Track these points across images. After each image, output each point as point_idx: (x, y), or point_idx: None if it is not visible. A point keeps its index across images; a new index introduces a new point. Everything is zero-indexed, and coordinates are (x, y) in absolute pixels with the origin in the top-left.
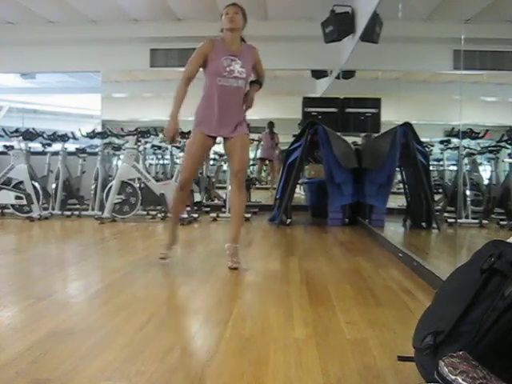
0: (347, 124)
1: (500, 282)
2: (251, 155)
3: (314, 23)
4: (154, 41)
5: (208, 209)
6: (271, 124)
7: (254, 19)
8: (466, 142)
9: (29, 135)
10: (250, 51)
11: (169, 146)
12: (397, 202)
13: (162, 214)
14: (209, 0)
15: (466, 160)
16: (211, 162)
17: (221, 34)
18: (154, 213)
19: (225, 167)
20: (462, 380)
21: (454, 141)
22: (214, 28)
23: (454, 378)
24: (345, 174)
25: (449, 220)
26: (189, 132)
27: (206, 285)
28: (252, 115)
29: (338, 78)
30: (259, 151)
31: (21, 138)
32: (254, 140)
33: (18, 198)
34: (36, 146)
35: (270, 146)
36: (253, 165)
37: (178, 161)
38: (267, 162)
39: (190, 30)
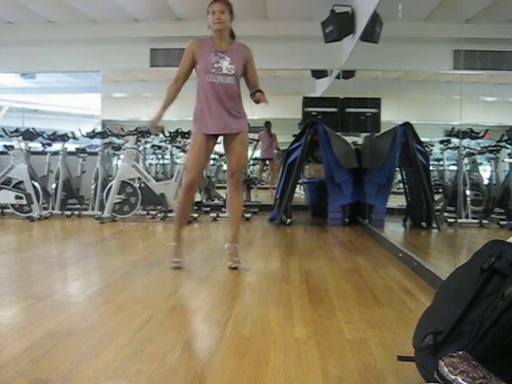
0: (347, 124)
1: (500, 281)
2: (251, 155)
3: (313, 23)
4: (154, 41)
5: (208, 209)
6: (269, 123)
7: (254, 19)
8: (466, 141)
9: (29, 135)
10: (240, 49)
11: (169, 146)
12: (397, 202)
13: (162, 214)
14: (209, 0)
15: (466, 160)
16: (211, 162)
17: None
18: (154, 213)
19: (225, 167)
20: (462, 380)
21: (454, 141)
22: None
23: (453, 377)
24: (345, 173)
25: (449, 220)
26: (188, 132)
27: (206, 285)
28: (252, 115)
29: (338, 77)
30: (259, 152)
31: (21, 137)
32: (253, 140)
33: (18, 197)
34: (36, 145)
35: (269, 146)
36: (253, 165)
37: (178, 161)
38: (267, 162)
39: (189, 29)
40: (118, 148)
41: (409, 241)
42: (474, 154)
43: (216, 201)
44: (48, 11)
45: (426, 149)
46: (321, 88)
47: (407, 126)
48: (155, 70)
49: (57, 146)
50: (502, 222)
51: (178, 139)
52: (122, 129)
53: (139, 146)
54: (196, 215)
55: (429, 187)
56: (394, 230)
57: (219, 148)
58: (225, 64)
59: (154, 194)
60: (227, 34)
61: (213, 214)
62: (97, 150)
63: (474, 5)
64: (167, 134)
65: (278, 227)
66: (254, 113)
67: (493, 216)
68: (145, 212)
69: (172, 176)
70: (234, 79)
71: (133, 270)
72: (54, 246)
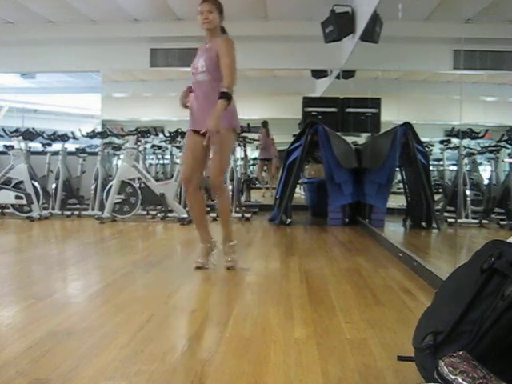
0: (347, 124)
1: (500, 281)
2: (252, 155)
3: (313, 23)
4: (154, 41)
5: (208, 209)
6: (266, 123)
7: (254, 19)
8: (466, 141)
9: (29, 135)
10: (216, 43)
11: (169, 146)
12: (397, 202)
13: (162, 214)
14: None
15: (466, 160)
16: (210, 162)
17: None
18: (154, 213)
19: None
20: (462, 380)
21: (454, 141)
22: None
23: (453, 377)
24: (345, 173)
25: (449, 220)
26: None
27: (205, 285)
28: (252, 115)
29: (338, 77)
30: (259, 152)
31: (21, 137)
32: (253, 140)
33: (18, 197)
34: (36, 145)
35: (269, 145)
36: (253, 165)
37: (178, 161)
38: (266, 162)
39: (190, 29)
40: (118, 148)
41: (409, 241)
42: (474, 153)
43: (216, 201)
44: (48, 11)
45: (426, 149)
46: (321, 88)
47: (407, 126)
48: (155, 70)
49: (57, 146)
50: (502, 222)
51: (178, 139)
52: (122, 129)
53: (139, 145)
54: None
55: (429, 187)
56: (394, 230)
57: None
58: (200, 62)
59: (153, 194)
60: (217, 32)
61: (213, 214)
62: (97, 149)
63: (474, 5)
64: (167, 134)
65: (278, 227)
66: (254, 112)
67: (493, 216)
68: (145, 212)
69: (172, 176)
70: (205, 76)
71: (133, 269)
72: (54, 246)
